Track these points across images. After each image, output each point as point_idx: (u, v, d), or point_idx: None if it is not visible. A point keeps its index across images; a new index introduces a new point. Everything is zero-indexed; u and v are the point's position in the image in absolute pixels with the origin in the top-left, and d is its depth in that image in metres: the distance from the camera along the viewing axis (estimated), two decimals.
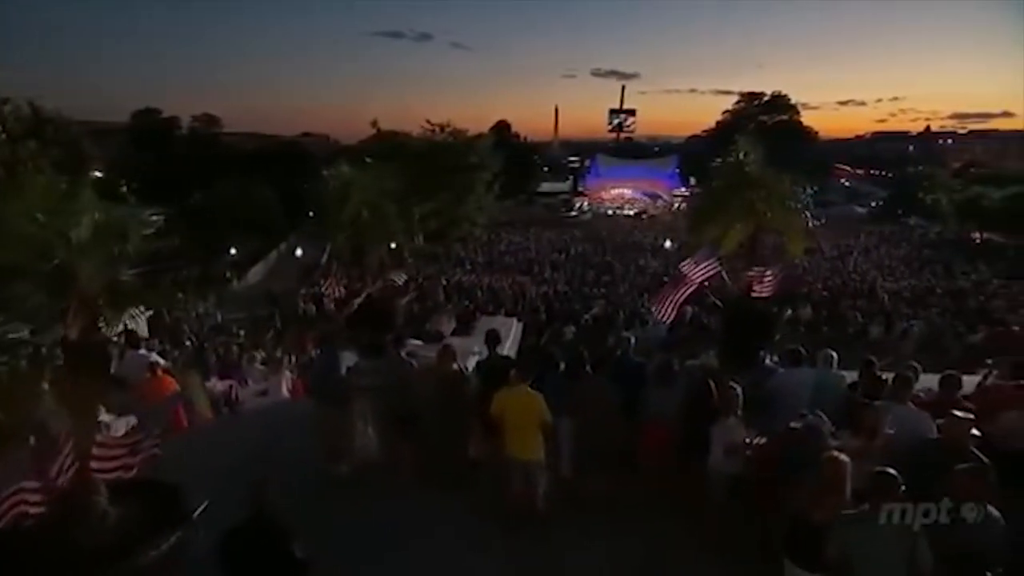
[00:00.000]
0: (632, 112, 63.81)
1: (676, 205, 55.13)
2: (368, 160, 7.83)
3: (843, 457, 3.72)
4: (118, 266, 5.56)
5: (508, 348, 12.71)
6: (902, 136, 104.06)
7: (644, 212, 53.56)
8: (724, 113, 60.31)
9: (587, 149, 68.43)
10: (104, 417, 6.52)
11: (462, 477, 6.01)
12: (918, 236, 43.10)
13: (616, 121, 63.02)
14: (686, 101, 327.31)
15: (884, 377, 5.58)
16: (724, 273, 7.00)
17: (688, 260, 7.12)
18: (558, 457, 5.74)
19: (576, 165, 64.43)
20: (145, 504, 3.60)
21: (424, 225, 30.44)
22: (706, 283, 7.07)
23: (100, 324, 6.30)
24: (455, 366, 6.23)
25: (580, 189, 58.66)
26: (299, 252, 28.91)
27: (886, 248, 37.04)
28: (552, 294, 23.93)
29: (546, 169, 70.74)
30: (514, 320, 15.85)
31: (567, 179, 62.64)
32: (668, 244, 38.04)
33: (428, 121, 33.32)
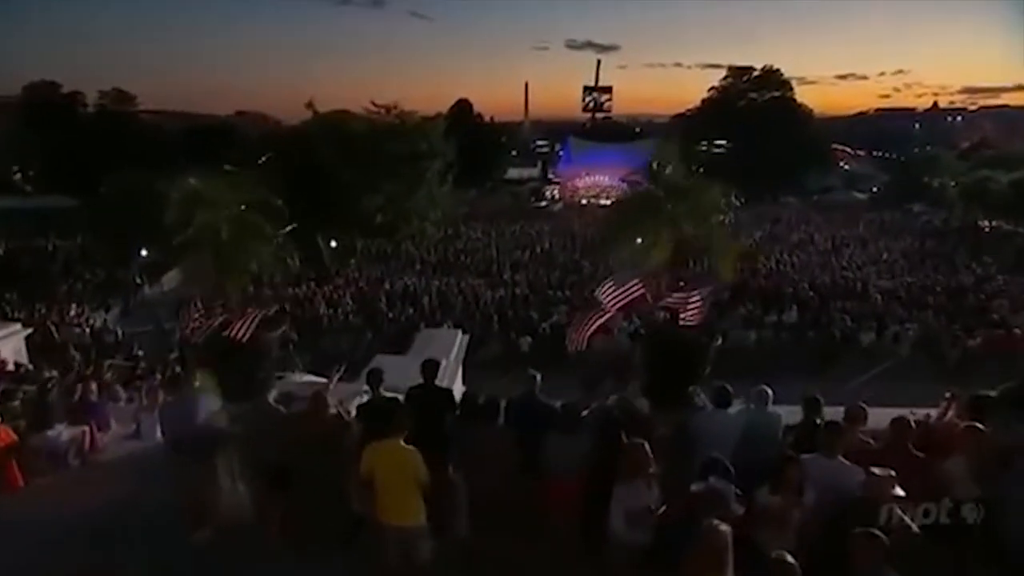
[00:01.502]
0: (608, 90, 63.92)
1: None
2: (228, 168, 7.40)
3: (723, 528, 3.55)
4: None
5: (446, 369, 12.43)
6: (907, 113, 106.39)
7: None
8: (710, 90, 60.80)
9: (561, 131, 68.41)
10: None
11: (339, 539, 5.72)
12: (921, 225, 43.91)
13: (590, 100, 63.04)
14: (671, 76, 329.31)
15: (819, 422, 5.37)
16: (648, 296, 6.79)
17: (606, 282, 6.87)
18: (451, 516, 5.50)
19: (545, 150, 64.35)
20: None
21: (368, 221, 30.10)
22: (627, 309, 6.83)
23: None
24: (332, 411, 5.96)
25: (551, 176, 58.56)
26: None
27: (885, 240, 37.63)
28: (510, 299, 23.75)
29: (514, 153, 70.54)
30: (458, 333, 15.57)
31: (536, 164, 62.53)
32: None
33: (373, 102, 32.76)
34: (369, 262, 33.37)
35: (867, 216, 47.02)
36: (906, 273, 27.27)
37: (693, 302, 6.41)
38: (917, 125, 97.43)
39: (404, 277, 28.65)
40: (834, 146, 70.71)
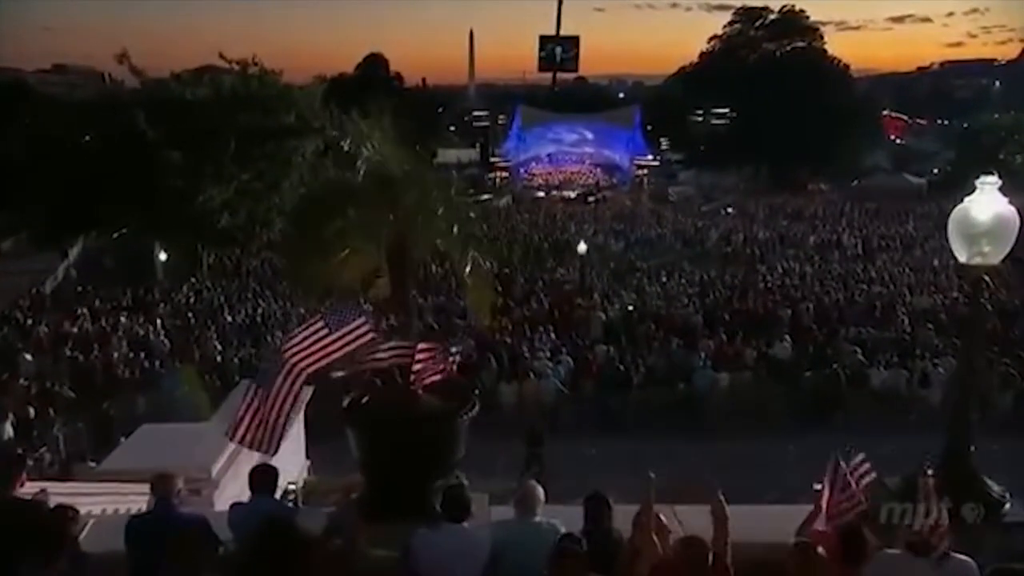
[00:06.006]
0: (573, 41, 63.41)
1: (642, 180, 55.35)
2: None
3: None
4: None
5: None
6: (985, 66, 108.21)
7: (593, 193, 53.44)
8: (711, 40, 61.02)
9: (520, 98, 67.94)
10: None
11: None
12: None
13: (550, 54, 62.35)
14: (665, 21, 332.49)
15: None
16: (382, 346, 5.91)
17: (314, 320, 5.89)
18: None
19: (485, 123, 64.02)
20: None
21: (209, 223, 29.00)
22: (339, 366, 5.86)
23: None
24: None
25: (495, 159, 58.09)
26: None
27: (940, 238, 37.56)
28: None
29: (453, 128, 70.21)
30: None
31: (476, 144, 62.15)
32: (613, 244, 37.82)
33: (222, 55, 31.72)
34: (221, 279, 32.23)
35: (921, 208, 47.20)
36: (956, 287, 26.94)
37: (423, 357, 5.55)
38: (997, 82, 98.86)
39: (260, 301, 27.42)
40: (884, 113, 71.42)
